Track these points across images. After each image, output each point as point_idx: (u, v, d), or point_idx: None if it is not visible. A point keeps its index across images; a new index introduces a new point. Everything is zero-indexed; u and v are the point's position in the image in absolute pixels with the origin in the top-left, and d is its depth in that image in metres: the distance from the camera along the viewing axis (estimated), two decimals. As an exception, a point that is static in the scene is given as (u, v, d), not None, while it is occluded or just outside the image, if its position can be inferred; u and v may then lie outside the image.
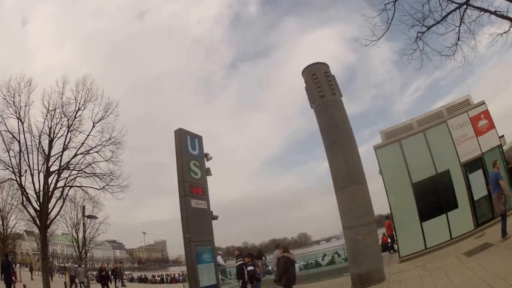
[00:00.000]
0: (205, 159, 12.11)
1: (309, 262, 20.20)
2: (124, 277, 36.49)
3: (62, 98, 15.81)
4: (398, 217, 11.80)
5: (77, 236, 34.67)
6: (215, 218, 11.65)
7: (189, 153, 11.32)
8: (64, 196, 16.24)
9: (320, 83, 8.84)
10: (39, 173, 15.22)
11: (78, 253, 35.65)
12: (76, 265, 21.86)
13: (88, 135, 16.53)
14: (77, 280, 20.00)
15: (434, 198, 11.64)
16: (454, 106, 12.38)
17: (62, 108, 15.80)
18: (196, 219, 10.24)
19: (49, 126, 15.59)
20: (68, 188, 16.26)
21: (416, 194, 11.57)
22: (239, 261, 12.81)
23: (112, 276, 24.85)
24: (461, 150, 11.59)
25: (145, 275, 51.45)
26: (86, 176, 16.62)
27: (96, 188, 16.88)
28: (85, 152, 16.47)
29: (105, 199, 17.41)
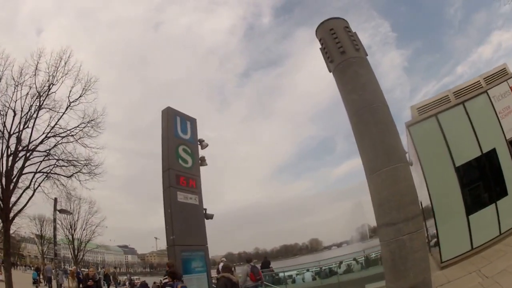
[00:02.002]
0: (199, 145, 10.00)
1: (322, 269, 17.88)
2: (127, 283, 33.34)
3: (36, 73, 13.96)
4: (440, 211, 9.46)
5: (72, 238, 32.84)
6: (210, 217, 9.47)
7: (178, 136, 9.21)
8: (34, 186, 14.15)
9: (339, 38, 6.59)
10: (1, 155, 13.21)
11: (73, 256, 33.84)
12: (51, 267, 19.90)
13: (62, 114, 14.32)
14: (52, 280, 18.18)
15: (481, 184, 9.42)
16: (491, 75, 10.32)
17: (35, 83, 13.94)
18: (184, 218, 8.08)
19: (15, 100, 13.64)
20: (34, 175, 14.14)
21: (461, 181, 9.28)
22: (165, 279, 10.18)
23: (104, 283, 22.71)
24: (505, 124, 9.44)
25: (145, 281, 49.24)
26: (59, 165, 14.56)
27: (64, 175, 14.83)
28: (57, 135, 14.47)
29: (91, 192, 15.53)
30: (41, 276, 20.90)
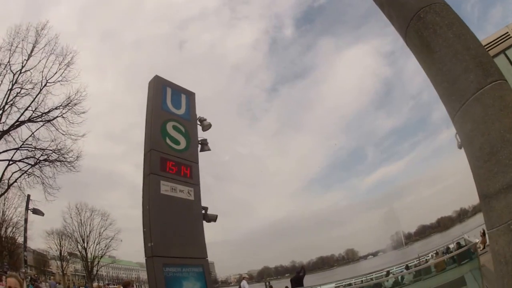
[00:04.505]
0: (198, 124, 7.65)
1: (364, 281, 15.26)
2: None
3: (11, 50, 12.31)
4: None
5: (86, 253, 30.99)
6: (212, 219, 7.03)
7: (167, 109, 6.91)
8: (8, 183, 12.26)
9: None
10: None
11: (86, 272, 32.00)
12: (55, 282, 17.99)
13: (37, 94, 12.70)
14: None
15: None
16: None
17: (9, 60, 12.25)
18: (170, 217, 5.65)
19: None
20: (6, 167, 12.28)
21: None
22: None
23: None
24: None
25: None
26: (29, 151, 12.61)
27: (29, 163, 12.86)
28: (31, 119, 12.61)
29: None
30: None
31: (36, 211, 12.52)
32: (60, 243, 36.53)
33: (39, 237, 32.51)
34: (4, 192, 12.44)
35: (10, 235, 23.35)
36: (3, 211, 22.09)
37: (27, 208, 12.59)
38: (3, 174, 12.37)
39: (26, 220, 13.63)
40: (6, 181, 12.49)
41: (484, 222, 3.18)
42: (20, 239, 24.01)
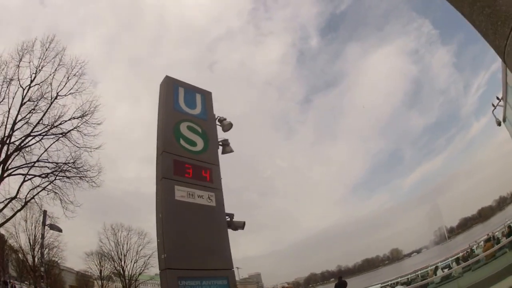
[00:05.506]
0: (217, 123, 7.04)
1: (410, 278, 15.44)
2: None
3: (19, 65, 12.44)
4: None
5: (123, 271, 31.07)
6: (239, 226, 6.31)
7: (180, 110, 6.36)
8: (25, 199, 12.23)
9: None
10: None
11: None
12: None
13: (48, 107, 12.58)
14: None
15: None
16: None
17: (18, 76, 12.28)
18: (187, 225, 4.99)
19: None
20: (22, 183, 12.20)
21: None
22: None
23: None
24: None
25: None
26: (52, 171, 12.54)
27: (47, 179, 12.67)
28: (43, 134, 12.57)
29: None
30: None
31: (53, 227, 12.51)
32: (100, 263, 37.12)
33: (78, 258, 33.59)
34: (21, 209, 12.55)
35: (46, 257, 23.85)
36: (34, 234, 22.61)
37: (43, 224, 12.58)
38: (18, 190, 12.41)
39: (43, 236, 13.72)
40: (24, 198, 12.53)
41: None
42: (54, 259, 24.58)
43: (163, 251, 4.42)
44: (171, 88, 6.50)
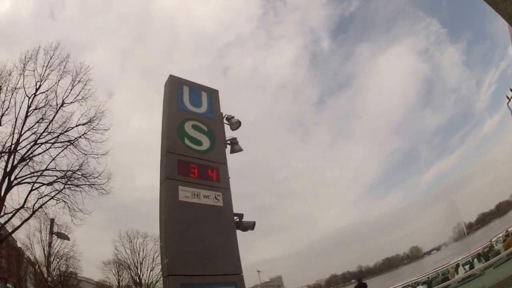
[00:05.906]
0: (224, 122, 6.82)
1: (430, 278, 14.99)
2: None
3: (24, 74, 12.51)
4: None
5: (139, 279, 30.79)
6: (249, 227, 6.04)
7: (185, 108, 6.18)
8: (33, 208, 12.33)
9: None
10: None
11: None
12: None
13: (55, 115, 12.55)
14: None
15: None
16: None
17: (23, 85, 12.32)
18: (192, 228, 4.77)
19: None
20: (29, 192, 12.32)
21: None
22: None
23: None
24: None
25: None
26: (58, 178, 12.65)
27: (54, 188, 12.66)
28: (52, 142, 12.64)
29: None
30: None
31: (61, 235, 12.58)
32: (118, 273, 36.84)
33: (96, 268, 33.53)
34: (28, 218, 12.66)
35: (64, 269, 24.04)
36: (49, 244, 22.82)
37: (51, 232, 12.68)
38: (26, 199, 12.57)
39: (50, 244, 13.83)
40: (31, 207, 12.66)
41: None
42: (70, 270, 24.59)
43: (165, 255, 4.24)
44: (175, 87, 6.34)
